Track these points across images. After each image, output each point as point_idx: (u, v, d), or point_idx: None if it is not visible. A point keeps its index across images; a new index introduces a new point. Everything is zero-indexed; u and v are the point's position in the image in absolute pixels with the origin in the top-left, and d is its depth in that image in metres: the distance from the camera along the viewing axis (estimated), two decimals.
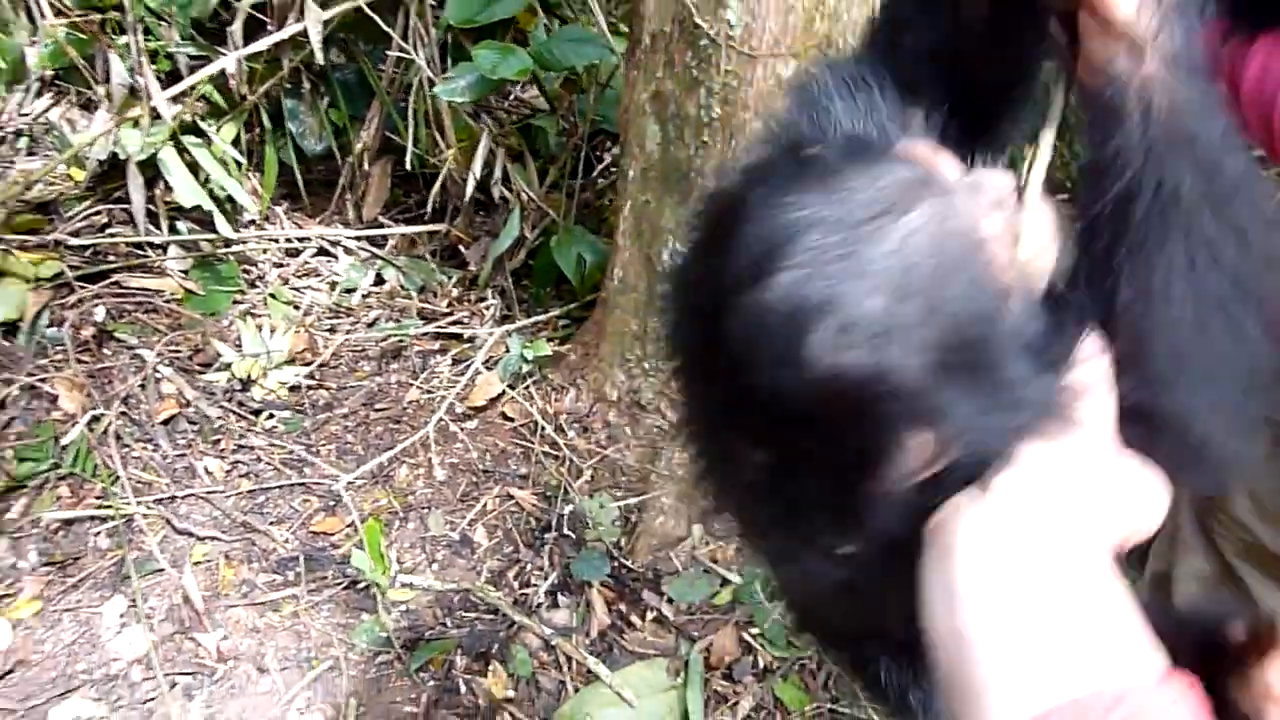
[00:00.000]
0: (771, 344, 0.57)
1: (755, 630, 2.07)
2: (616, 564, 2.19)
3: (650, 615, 2.11)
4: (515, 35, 2.95)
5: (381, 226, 3.22)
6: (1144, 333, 0.70)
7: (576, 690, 1.95)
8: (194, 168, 2.97)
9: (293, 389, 2.65)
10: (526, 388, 2.62)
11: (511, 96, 3.62)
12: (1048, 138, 0.74)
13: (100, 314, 2.79)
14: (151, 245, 2.98)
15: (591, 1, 2.77)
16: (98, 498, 2.31)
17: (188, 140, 2.96)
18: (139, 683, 1.93)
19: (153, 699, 1.90)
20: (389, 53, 3.01)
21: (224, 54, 2.93)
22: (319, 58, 2.87)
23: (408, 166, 3.02)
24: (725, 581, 2.17)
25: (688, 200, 2.09)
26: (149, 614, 2.05)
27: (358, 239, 3.19)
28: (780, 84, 1.84)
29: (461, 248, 3.15)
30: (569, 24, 3.06)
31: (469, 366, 2.69)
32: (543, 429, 2.50)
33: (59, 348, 2.66)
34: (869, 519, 0.64)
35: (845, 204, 0.59)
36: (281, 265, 3.13)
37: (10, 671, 1.95)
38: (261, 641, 2.03)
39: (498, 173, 2.96)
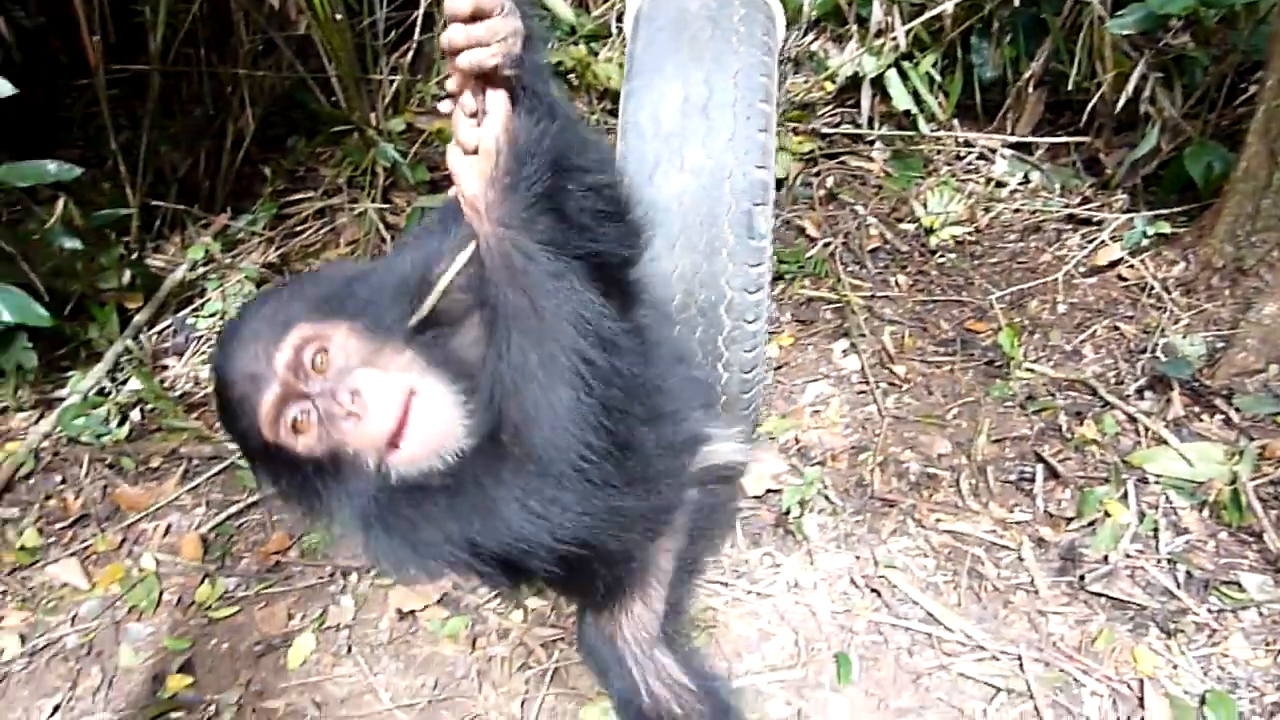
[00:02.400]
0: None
1: None
2: (1196, 380, 2.89)
3: (1218, 417, 2.80)
4: None
5: (1031, 140, 4.12)
6: (507, 389, 1.11)
7: (1148, 447, 2.74)
8: (905, 83, 4.16)
9: (958, 241, 3.72)
10: (1142, 259, 3.36)
11: (1162, 40, 4.22)
12: (453, 266, 1.22)
13: (830, 181, 4.13)
14: (867, 139, 4.26)
15: None
16: (829, 289, 3.62)
17: (903, 65, 4.15)
18: (855, 383, 3.17)
19: (863, 392, 3.12)
20: None
21: (940, 2, 4.04)
22: (1014, 2, 3.83)
23: (1069, 87, 3.84)
24: None
25: None
26: (862, 351, 3.28)
27: (1013, 147, 4.13)
28: None
29: (1101, 157, 3.92)
30: None
31: (1095, 240, 3.51)
32: (1151, 287, 3.24)
33: (806, 199, 4.05)
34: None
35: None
36: (951, 163, 4.20)
37: (780, 368, 3.32)
38: (929, 378, 3.15)
39: (1146, 95, 3.67)
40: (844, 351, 3.32)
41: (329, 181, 4.23)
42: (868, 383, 3.13)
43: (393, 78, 4.44)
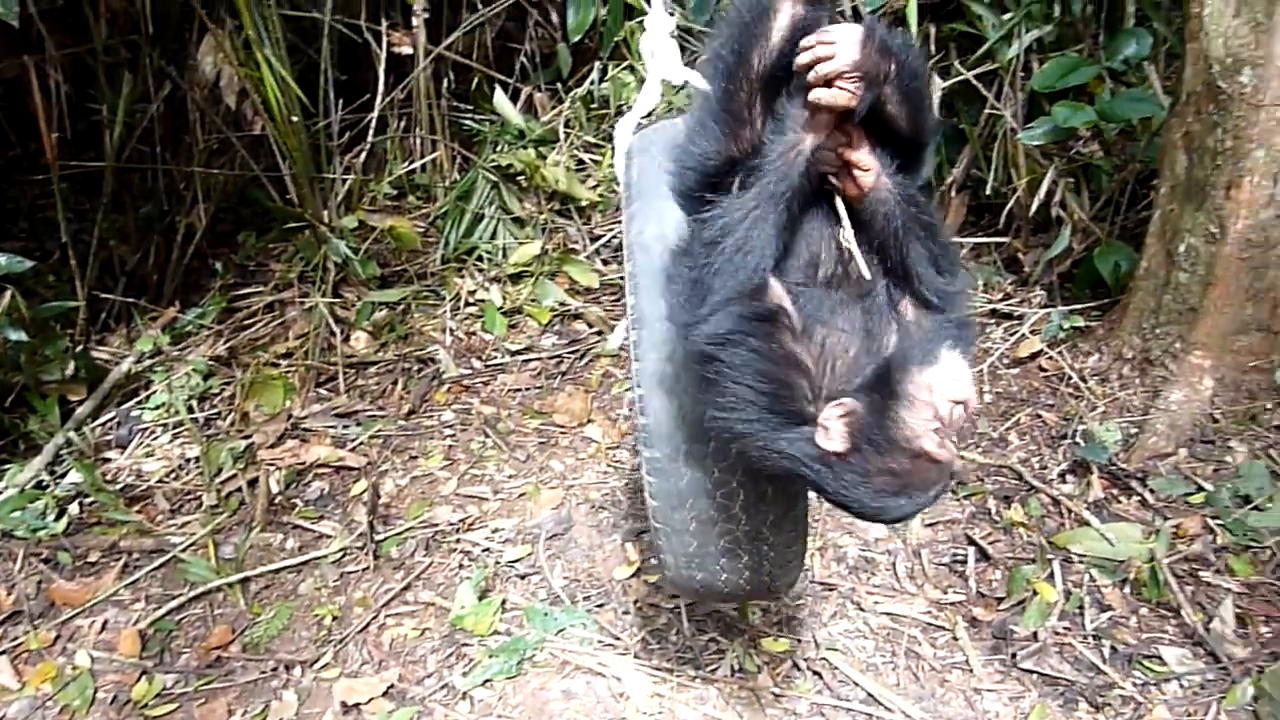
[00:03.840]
0: None
1: (1219, 521, 2.81)
2: (1113, 464, 3.06)
3: (1135, 498, 2.96)
4: (1084, 96, 3.91)
5: (958, 241, 4.37)
6: None
7: (1071, 528, 2.88)
8: None
9: None
10: (1060, 350, 3.57)
11: (1074, 149, 4.55)
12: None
13: None
14: None
15: (1149, 70, 3.65)
16: None
17: None
18: None
19: None
20: (983, 111, 4.16)
21: None
22: (935, 116, 4.12)
23: (988, 191, 4.11)
24: (1199, 489, 2.93)
25: (1202, 208, 2.93)
26: None
27: None
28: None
29: (1019, 255, 4.17)
30: (1131, 87, 3.93)
31: (1017, 334, 3.72)
32: (1069, 377, 3.44)
33: None
34: None
35: None
36: None
37: None
38: None
39: (1056, 199, 3.94)
40: None
41: (279, 276, 4.30)
42: None
43: (345, 177, 4.58)
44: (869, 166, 1.43)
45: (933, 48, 4.20)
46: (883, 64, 1.36)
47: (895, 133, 1.47)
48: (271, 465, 3.36)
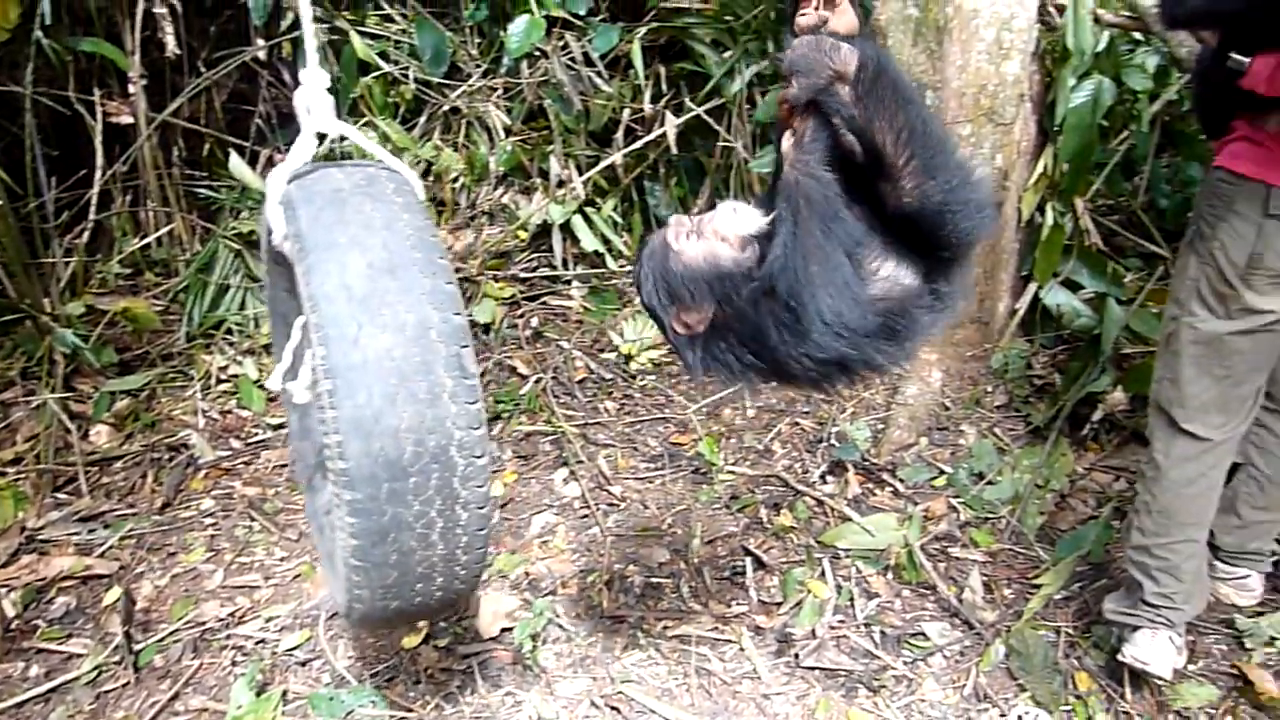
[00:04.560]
0: None
1: (960, 500, 3.09)
2: (866, 460, 3.29)
3: (888, 489, 3.20)
4: None
5: None
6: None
7: (835, 526, 3.07)
8: (591, 227, 4.52)
9: (655, 364, 4.03)
10: None
11: None
12: None
13: (535, 320, 4.36)
14: (564, 280, 4.55)
15: None
16: (545, 421, 3.78)
17: (588, 210, 4.52)
18: (578, 508, 3.31)
19: (586, 515, 3.26)
20: (717, 144, 4.40)
21: (611, 153, 4.48)
22: (672, 150, 4.32)
23: None
24: (941, 472, 3.20)
25: None
26: (580, 477, 3.44)
27: None
28: None
29: None
30: None
31: None
32: None
33: (514, 339, 4.24)
34: None
35: None
36: None
37: (506, 504, 3.40)
38: (643, 494, 3.35)
39: None
40: (564, 480, 3.46)
41: None
42: (589, 506, 3.28)
43: (68, 259, 4.22)
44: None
45: (664, 87, 4.41)
46: (828, 64, 1.62)
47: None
48: (4, 587, 3.02)
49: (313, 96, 1.96)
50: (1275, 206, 2.07)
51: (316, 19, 4.62)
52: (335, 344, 1.72)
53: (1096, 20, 3.20)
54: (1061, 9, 3.20)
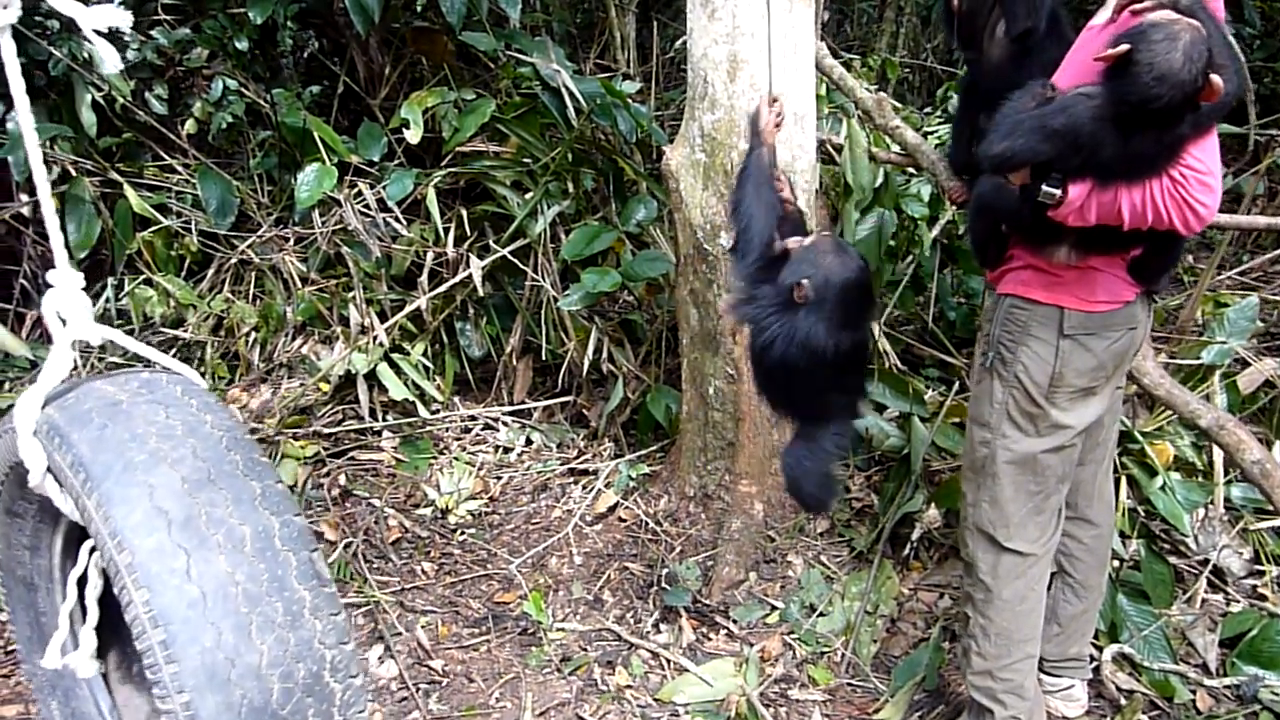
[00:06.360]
0: None
1: (794, 636, 3.02)
2: (698, 602, 3.19)
3: (723, 632, 3.09)
4: (612, 259, 4.25)
5: (527, 405, 4.47)
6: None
7: (672, 679, 2.92)
8: (399, 374, 4.32)
9: (475, 515, 3.83)
10: (634, 499, 3.72)
11: (619, 302, 4.93)
12: None
13: (343, 479, 4.08)
14: (373, 430, 4.31)
15: (656, 232, 4.06)
16: (356, 592, 3.48)
17: (395, 357, 4.33)
18: (395, 691, 3.02)
19: (405, 699, 2.98)
20: (526, 282, 4.35)
21: (416, 296, 4.34)
22: (480, 291, 4.23)
23: (543, 359, 4.27)
24: (773, 608, 3.14)
25: (718, 354, 3.25)
26: (398, 653, 3.16)
27: (512, 414, 4.44)
28: None
29: (585, 411, 4.35)
30: (646, 248, 4.34)
31: (594, 489, 3.82)
32: (646, 523, 3.57)
33: (320, 501, 3.94)
34: None
35: None
36: (459, 438, 4.39)
37: None
38: (468, 664, 3.10)
39: (605, 355, 4.19)
40: (379, 659, 3.17)
41: None
42: (408, 687, 3.00)
43: None
44: None
45: (467, 229, 4.35)
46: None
47: None
48: None
49: (66, 300, 1.67)
50: (1069, 328, 2.18)
51: (86, 172, 4.32)
52: (160, 583, 1.45)
53: (871, 158, 3.39)
54: (840, 149, 3.37)
